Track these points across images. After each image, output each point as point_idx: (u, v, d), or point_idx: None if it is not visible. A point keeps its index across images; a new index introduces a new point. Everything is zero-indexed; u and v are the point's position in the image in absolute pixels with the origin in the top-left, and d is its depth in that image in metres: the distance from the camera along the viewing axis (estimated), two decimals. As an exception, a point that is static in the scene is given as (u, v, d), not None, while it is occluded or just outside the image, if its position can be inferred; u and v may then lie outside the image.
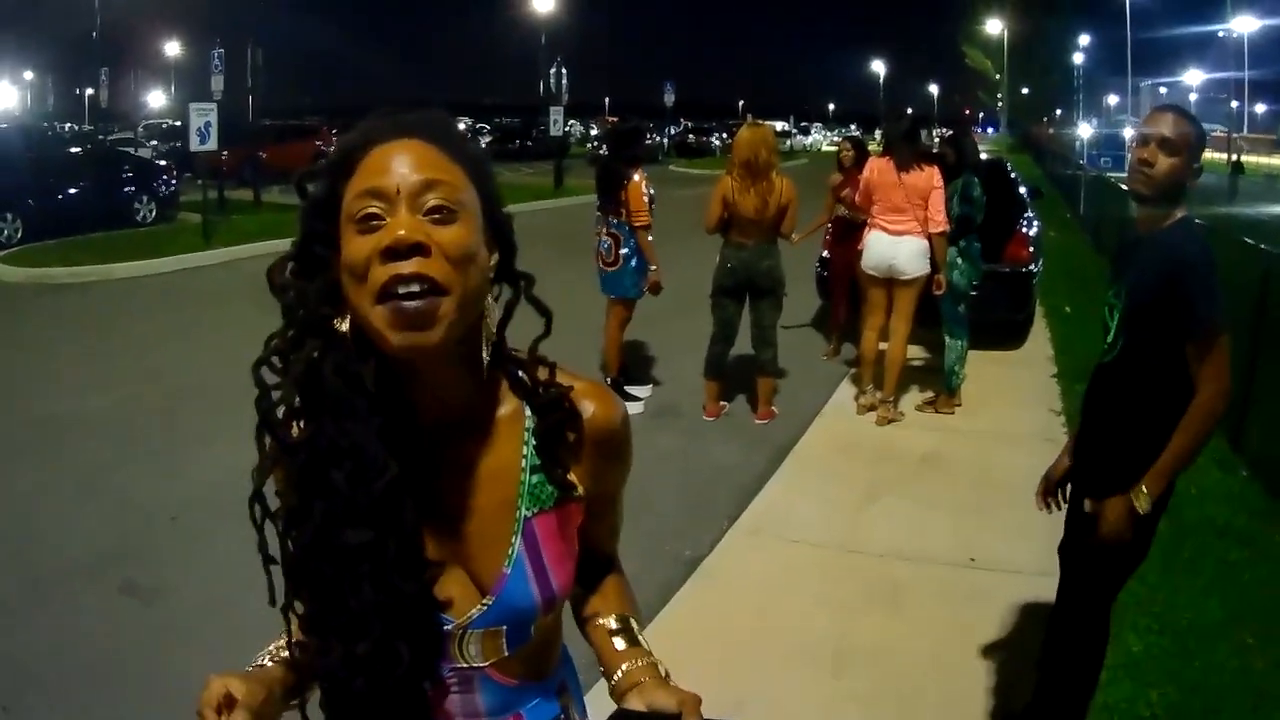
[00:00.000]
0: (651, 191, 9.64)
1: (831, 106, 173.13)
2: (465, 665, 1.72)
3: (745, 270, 9.04)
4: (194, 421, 9.37)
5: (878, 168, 9.48)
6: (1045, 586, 5.89)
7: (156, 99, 65.81)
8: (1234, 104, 77.63)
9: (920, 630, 5.59)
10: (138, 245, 19.92)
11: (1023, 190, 14.67)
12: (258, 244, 19.85)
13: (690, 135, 67.07)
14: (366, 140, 1.62)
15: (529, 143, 55.02)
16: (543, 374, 1.75)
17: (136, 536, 6.97)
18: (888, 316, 9.44)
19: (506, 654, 1.73)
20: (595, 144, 55.16)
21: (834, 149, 15.96)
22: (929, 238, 9.12)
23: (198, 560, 6.55)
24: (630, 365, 10.47)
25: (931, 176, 9.16)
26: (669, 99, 51.94)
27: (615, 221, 9.59)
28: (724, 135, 70.71)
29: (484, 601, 1.70)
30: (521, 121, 60.80)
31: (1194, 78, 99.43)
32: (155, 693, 5.00)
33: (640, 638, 1.87)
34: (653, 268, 9.49)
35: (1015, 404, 10.19)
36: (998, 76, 79.58)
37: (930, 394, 10.09)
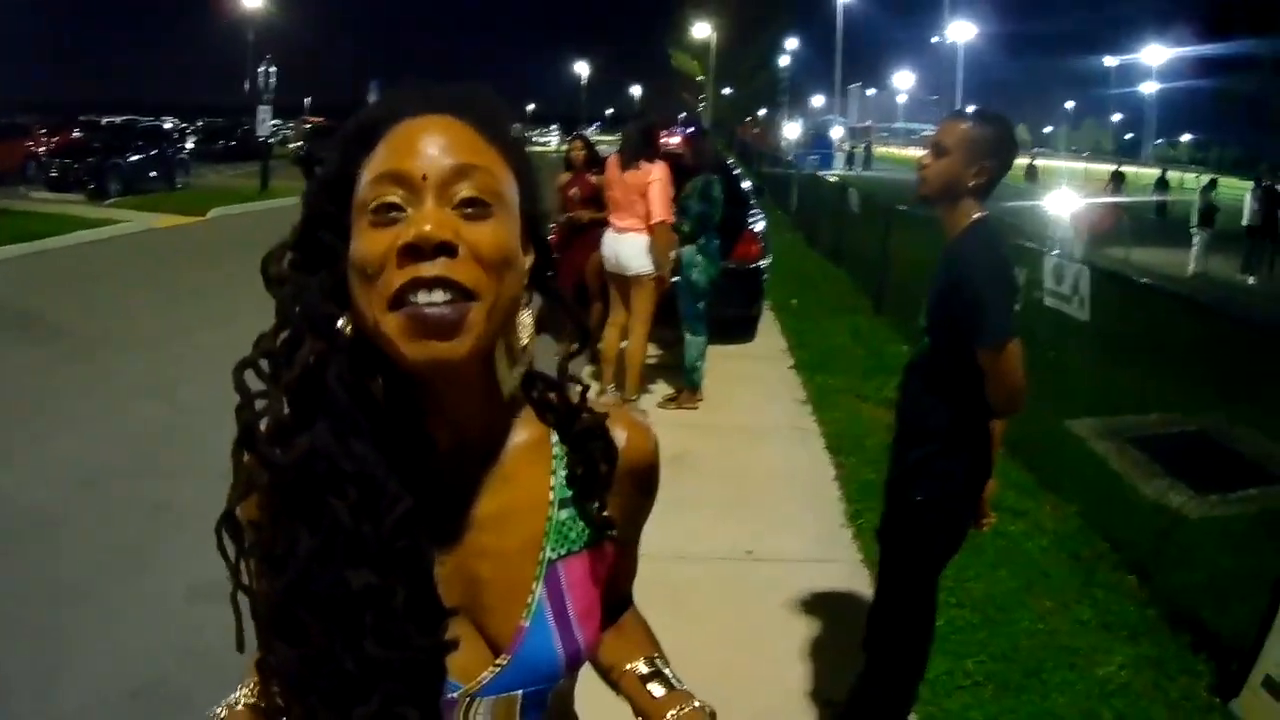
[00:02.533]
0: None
1: (531, 107, 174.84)
2: None
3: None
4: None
5: (609, 165, 9.52)
6: (828, 572, 6.12)
7: None
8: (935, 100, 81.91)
9: (713, 631, 5.50)
10: None
11: (747, 187, 14.98)
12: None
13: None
14: (391, 112, 1.36)
15: (233, 143, 53.22)
16: (575, 397, 1.52)
17: None
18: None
19: None
20: (300, 144, 54.04)
21: (539, 149, 16.06)
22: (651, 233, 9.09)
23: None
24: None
25: (649, 173, 9.19)
26: (373, 98, 51.41)
27: None
28: None
29: (497, 662, 1.43)
30: (225, 121, 59.02)
31: (906, 81, 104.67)
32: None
33: (675, 680, 1.67)
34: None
35: (760, 396, 10.35)
36: (700, 78, 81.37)
37: (672, 391, 10.04)
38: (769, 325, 13.65)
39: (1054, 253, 8.68)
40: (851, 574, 6.05)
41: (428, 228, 1.23)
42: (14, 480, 7.74)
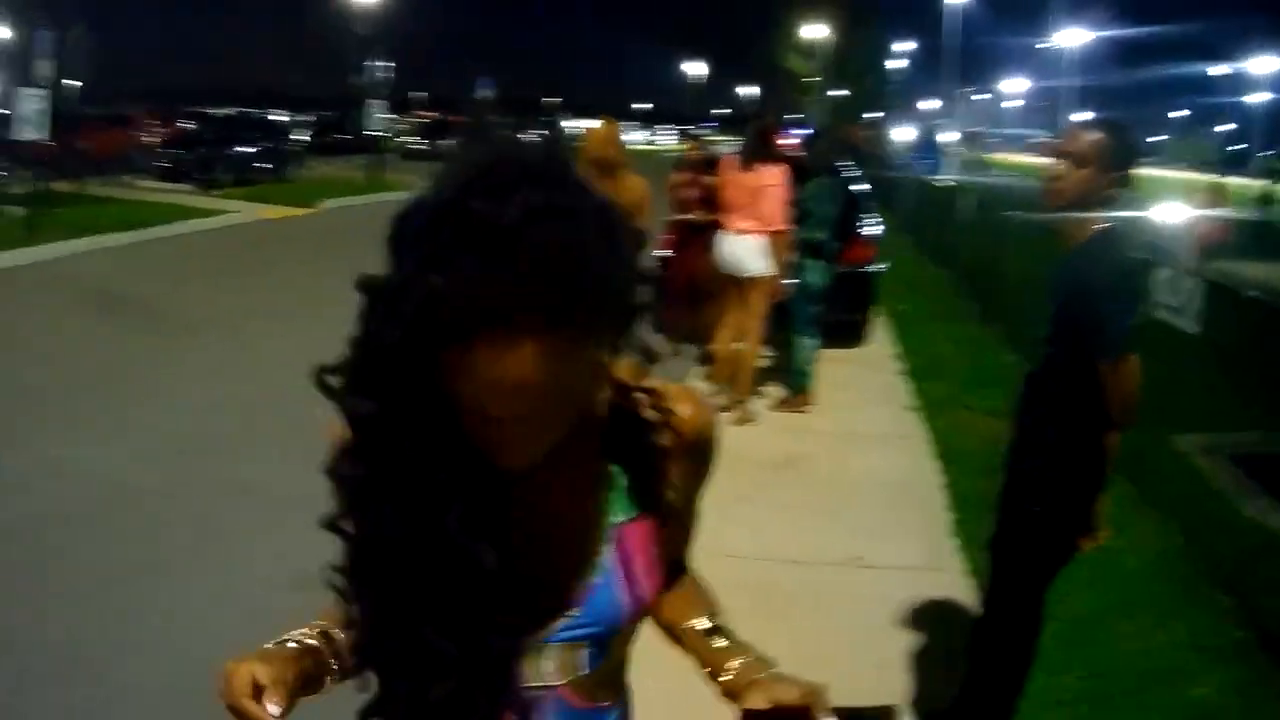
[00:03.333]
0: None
1: (649, 106, 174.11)
2: (538, 685, 1.61)
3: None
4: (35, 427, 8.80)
5: (727, 166, 9.54)
6: (932, 582, 6.09)
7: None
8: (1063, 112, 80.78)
9: (816, 636, 5.54)
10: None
11: (860, 190, 14.88)
12: (85, 239, 19.13)
13: (501, 129, 66.10)
14: (465, 315, 1.22)
15: (343, 136, 53.74)
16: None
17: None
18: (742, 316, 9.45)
19: (585, 671, 1.63)
20: (410, 139, 54.30)
21: (649, 148, 16.03)
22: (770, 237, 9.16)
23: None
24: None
25: (767, 175, 9.21)
26: (485, 94, 51.03)
27: None
28: (535, 132, 71.36)
29: (569, 614, 1.59)
30: (335, 115, 59.42)
31: (1016, 86, 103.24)
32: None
33: (735, 634, 1.77)
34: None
35: (868, 402, 10.37)
36: (812, 80, 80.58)
37: (783, 394, 10.11)
38: (879, 330, 13.56)
39: (1165, 265, 8.59)
40: (956, 584, 6.07)
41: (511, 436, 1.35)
42: (110, 457, 8.01)
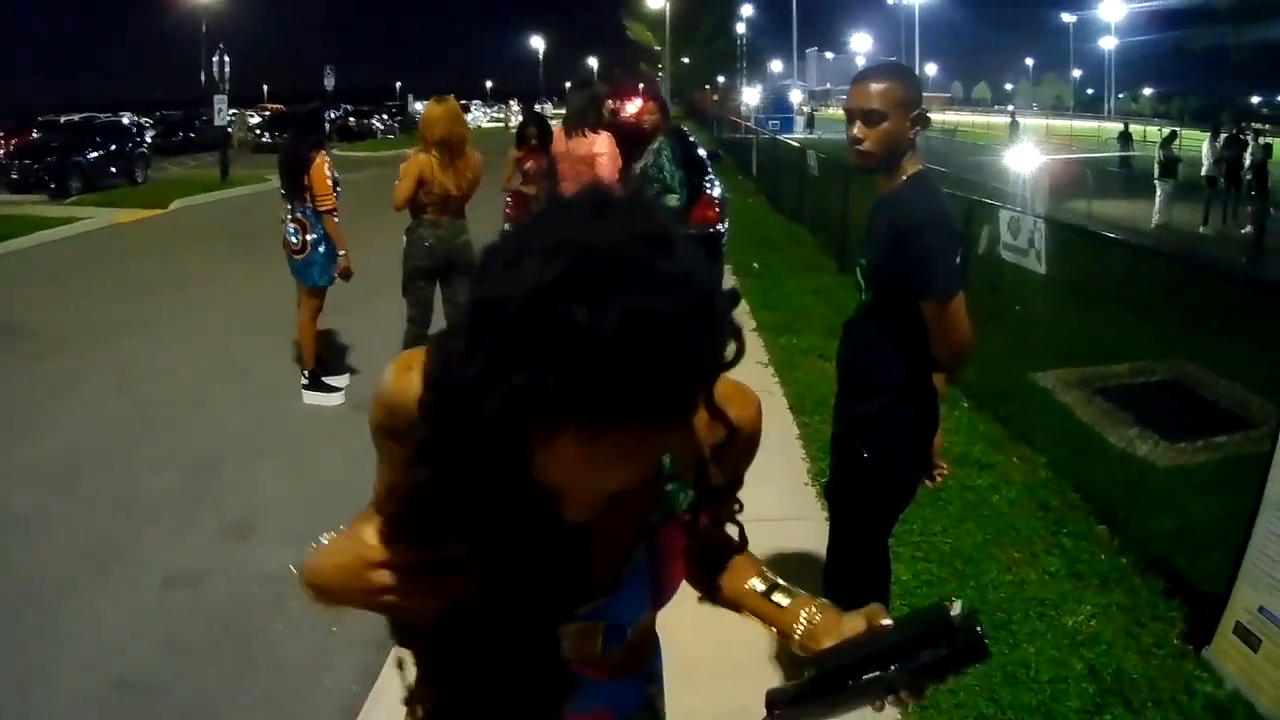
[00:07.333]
0: (336, 174, 9.14)
1: (490, 84, 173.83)
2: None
3: (445, 248, 8.59)
4: None
5: (556, 137, 9.76)
6: (792, 530, 6.09)
7: None
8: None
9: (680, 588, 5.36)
10: None
11: (703, 153, 14.88)
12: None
13: (351, 119, 66.13)
14: (555, 412, 1.14)
15: (191, 135, 52.94)
16: None
17: None
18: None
19: (598, 652, 1.68)
20: (255, 132, 53.74)
21: (495, 125, 16.01)
22: None
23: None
24: (324, 355, 9.91)
25: (594, 144, 9.24)
26: (329, 83, 50.58)
27: (301, 207, 9.06)
28: (384, 117, 72.51)
29: (592, 603, 1.63)
30: (183, 114, 58.57)
31: (862, 43, 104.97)
32: None
33: (792, 588, 1.78)
34: (341, 253, 9.02)
35: (721, 360, 10.11)
36: (658, 48, 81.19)
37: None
38: (733, 289, 13.45)
39: (1010, 207, 8.65)
40: (816, 531, 5.87)
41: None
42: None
